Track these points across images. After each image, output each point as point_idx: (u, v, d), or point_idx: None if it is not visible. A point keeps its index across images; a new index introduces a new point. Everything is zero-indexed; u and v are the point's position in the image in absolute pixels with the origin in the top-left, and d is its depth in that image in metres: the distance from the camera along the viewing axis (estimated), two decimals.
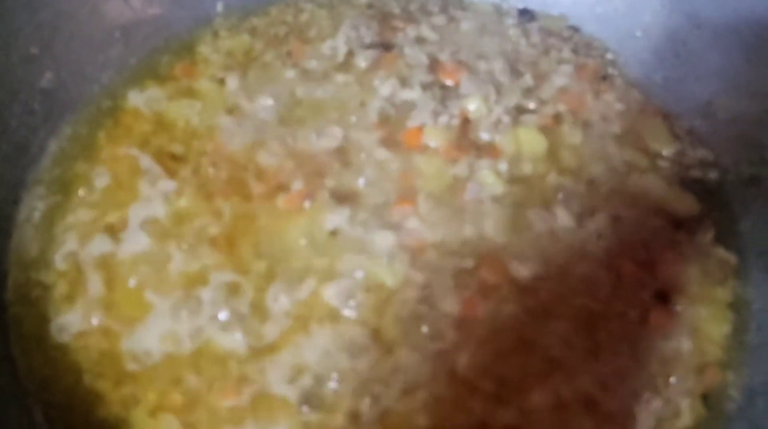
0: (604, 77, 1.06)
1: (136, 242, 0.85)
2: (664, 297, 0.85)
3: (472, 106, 0.98)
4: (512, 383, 0.78)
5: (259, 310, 0.81)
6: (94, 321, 0.80)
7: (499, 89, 1.01)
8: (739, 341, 0.83)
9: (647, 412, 0.77)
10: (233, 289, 0.83)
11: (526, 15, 1.13)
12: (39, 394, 0.77)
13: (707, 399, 0.79)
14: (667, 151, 0.98)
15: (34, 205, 0.87)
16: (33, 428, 0.74)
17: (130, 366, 0.78)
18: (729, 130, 0.97)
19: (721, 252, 0.89)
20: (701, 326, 0.84)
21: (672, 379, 0.80)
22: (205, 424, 0.75)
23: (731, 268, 0.88)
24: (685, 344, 0.82)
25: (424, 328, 0.81)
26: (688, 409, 0.78)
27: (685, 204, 0.93)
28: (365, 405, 0.76)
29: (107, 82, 0.98)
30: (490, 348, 0.80)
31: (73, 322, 0.80)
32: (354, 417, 0.76)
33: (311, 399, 0.76)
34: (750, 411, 0.77)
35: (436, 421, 0.76)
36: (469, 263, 0.86)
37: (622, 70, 1.07)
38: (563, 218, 0.90)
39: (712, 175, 0.96)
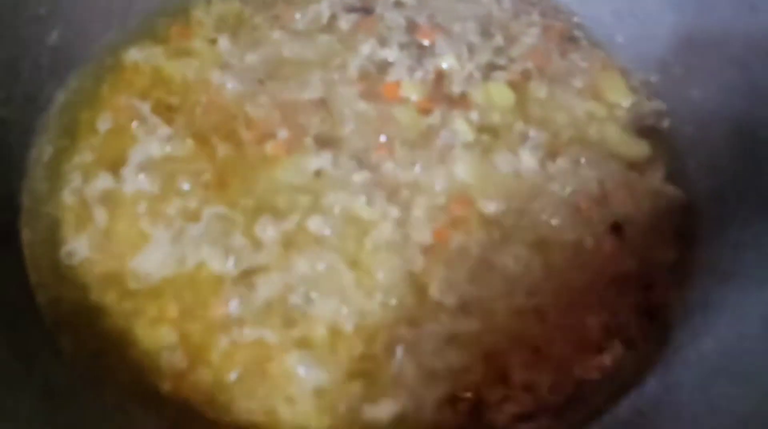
0: (570, 38, 1.15)
1: (135, 180, 0.93)
2: (617, 228, 0.93)
3: (446, 63, 1.06)
4: (476, 299, 0.86)
5: (249, 239, 0.90)
6: (99, 248, 0.89)
7: (471, 48, 1.09)
8: (682, 264, 0.91)
9: (597, 323, 0.86)
10: (225, 222, 0.91)
11: None
12: (49, 308, 0.85)
13: (651, 313, 0.88)
14: (624, 102, 1.06)
15: (43, 149, 0.96)
16: (43, 337, 0.82)
17: (132, 285, 0.86)
18: (681, 83, 1.05)
19: (671, 189, 0.98)
20: (649, 253, 0.92)
21: (620, 296, 0.88)
22: (198, 333, 0.83)
23: (679, 203, 0.97)
24: (633, 267, 0.90)
25: (398, 255, 0.89)
26: (633, 320, 0.87)
27: (639, 148, 1.02)
28: (344, 317, 0.85)
29: (109, 42, 1.06)
30: (457, 271, 0.88)
31: (80, 248, 0.88)
32: (334, 330, 0.85)
33: (294, 312, 0.84)
34: (690, 322, 0.86)
35: (410, 330, 0.84)
36: (440, 200, 0.94)
37: (587, 32, 1.15)
38: (527, 161, 0.98)
39: (665, 123, 1.04)
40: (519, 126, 1.02)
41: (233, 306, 0.85)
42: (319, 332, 0.84)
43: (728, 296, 0.84)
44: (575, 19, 1.17)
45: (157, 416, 0.81)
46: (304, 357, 0.83)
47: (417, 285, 0.88)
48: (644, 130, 1.04)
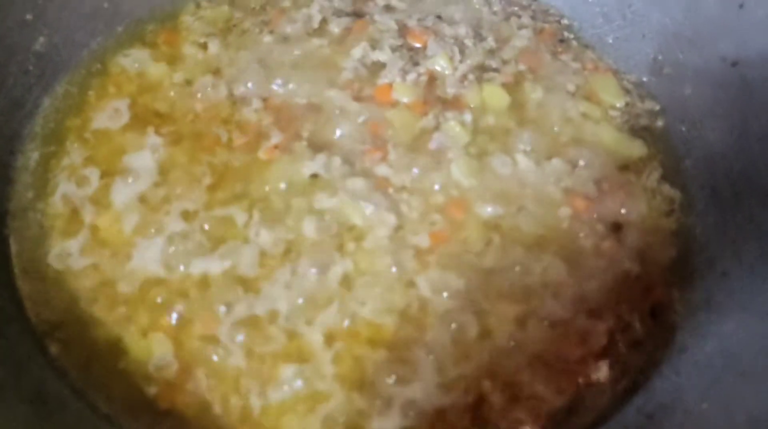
0: (561, 40, 1.15)
1: (124, 186, 0.91)
2: (615, 228, 0.93)
3: (438, 65, 1.06)
4: (476, 305, 0.84)
5: (242, 245, 0.88)
6: (89, 254, 0.87)
7: (463, 50, 1.08)
8: (682, 263, 0.90)
9: (600, 327, 0.85)
10: (218, 227, 0.89)
11: None
12: (39, 316, 0.83)
13: (654, 313, 0.87)
14: (618, 103, 1.06)
15: (30, 155, 0.94)
16: (33, 346, 0.80)
17: (123, 292, 0.84)
18: (673, 82, 1.05)
19: (667, 188, 0.97)
20: (649, 252, 0.91)
21: (622, 299, 0.87)
22: (191, 342, 0.81)
23: (676, 202, 0.96)
24: (634, 268, 0.89)
25: (395, 260, 0.88)
26: (637, 323, 0.85)
27: (635, 148, 1.01)
28: (340, 327, 0.83)
29: (96, 48, 1.04)
30: (455, 276, 0.87)
31: (69, 255, 0.86)
32: (331, 340, 0.83)
33: (289, 321, 0.82)
34: (692, 322, 0.85)
35: (410, 338, 0.82)
36: (436, 203, 0.93)
37: (577, 33, 1.16)
38: (523, 163, 0.97)
39: (659, 122, 1.04)
40: (514, 128, 1.01)
41: (227, 315, 0.83)
42: (315, 343, 0.82)
43: (731, 295, 0.83)
44: (565, 21, 1.18)
45: (148, 426, 0.79)
46: (300, 370, 0.80)
47: (414, 290, 0.86)
48: (639, 130, 1.04)
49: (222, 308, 0.83)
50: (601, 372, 0.81)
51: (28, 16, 0.97)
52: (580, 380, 0.82)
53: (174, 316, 0.83)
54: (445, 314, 0.83)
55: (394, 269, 0.87)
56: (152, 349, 0.81)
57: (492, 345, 0.82)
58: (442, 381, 0.80)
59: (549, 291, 0.86)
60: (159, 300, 0.83)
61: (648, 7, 1.08)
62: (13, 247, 0.87)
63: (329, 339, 0.82)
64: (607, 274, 0.88)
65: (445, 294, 0.85)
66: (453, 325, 0.83)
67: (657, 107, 1.06)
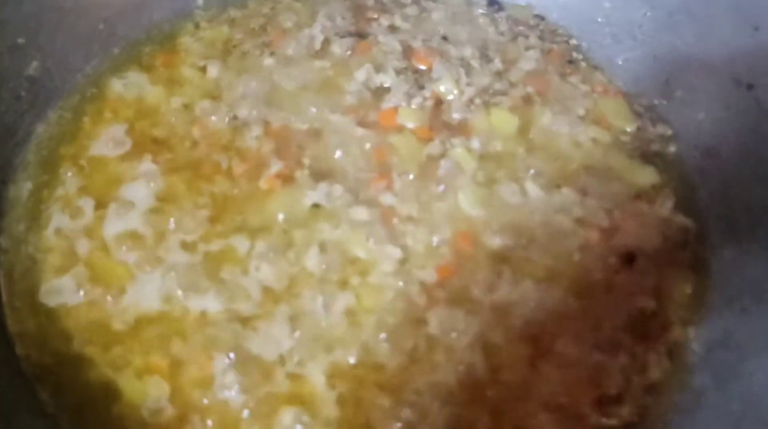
0: (570, 61, 1.12)
1: (121, 219, 0.88)
2: (628, 261, 0.89)
3: (444, 87, 1.02)
4: (484, 344, 0.81)
5: (243, 280, 0.85)
6: (83, 290, 0.83)
7: (469, 72, 1.05)
8: (699, 299, 0.87)
9: (615, 368, 0.81)
10: (216, 260, 0.86)
11: (494, 5, 1.18)
12: (30, 358, 0.79)
13: (671, 353, 0.83)
14: (629, 127, 1.03)
15: (22, 185, 0.91)
16: (24, 390, 0.77)
17: (118, 330, 0.81)
18: (686, 106, 1.02)
19: (681, 218, 0.94)
20: (664, 287, 0.88)
21: (638, 337, 0.84)
22: (188, 386, 0.78)
23: (691, 233, 0.93)
24: (649, 304, 0.86)
25: (401, 296, 0.84)
26: (654, 364, 0.82)
27: (647, 176, 0.98)
28: (342, 367, 0.79)
29: (91, 71, 1.01)
30: (463, 312, 0.83)
31: (62, 291, 0.83)
32: (332, 376, 0.79)
33: (290, 362, 0.79)
34: (711, 362, 0.82)
35: (415, 379, 0.79)
36: (443, 235, 0.90)
37: (586, 54, 1.13)
38: (533, 191, 0.94)
39: (672, 148, 1.01)
40: (522, 154, 0.98)
41: (225, 355, 0.79)
42: (318, 385, 0.79)
43: (751, 333, 0.80)
44: (573, 42, 1.15)
45: None
46: (301, 413, 0.77)
47: (421, 329, 0.83)
48: (650, 156, 1.00)
49: (219, 348, 0.80)
50: (616, 417, 0.78)
51: (20, 40, 0.94)
52: (594, 425, 0.78)
53: (170, 355, 0.79)
54: (453, 354, 0.80)
55: (399, 306, 0.84)
56: (147, 392, 0.78)
57: (502, 388, 0.79)
58: (449, 427, 0.77)
59: (560, 329, 0.83)
60: (155, 339, 0.80)
61: (659, 27, 1.05)
62: (3, 283, 0.84)
63: (332, 380, 0.79)
64: (621, 310, 0.85)
65: (453, 334, 0.82)
66: (461, 367, 0.79)
67: (669, 132, 1.02)
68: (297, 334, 0.81)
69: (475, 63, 1.07)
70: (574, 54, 1.12)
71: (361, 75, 1.03)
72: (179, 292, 0.83)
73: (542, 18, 1.16)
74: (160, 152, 0.94)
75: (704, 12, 0.99)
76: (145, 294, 0.83)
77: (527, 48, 1.11)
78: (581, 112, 1.03)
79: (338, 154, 0.96)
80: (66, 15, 0.99)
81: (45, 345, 0.80)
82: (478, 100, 1.02)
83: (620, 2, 1.09)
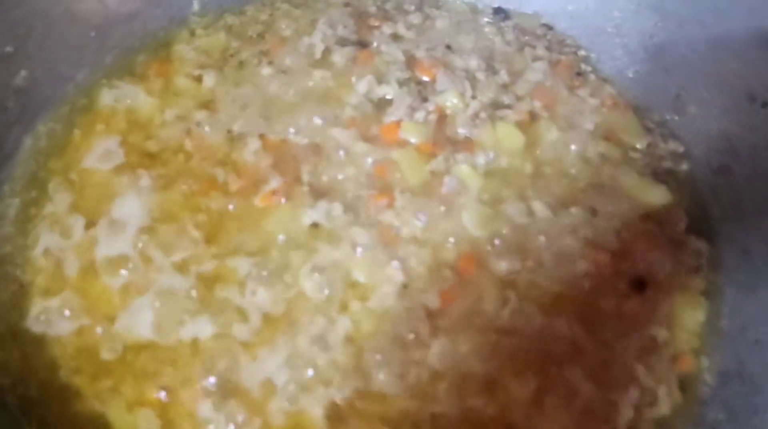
0: (578, 73, 1.08)
1: (112, 238, 0.84)
2: (639, 286, 0.86)
3: (449, 101, 0.99)
4: (489, 375, 0.78)
5: (238, 305, 0.81)
6: (71, 314, 0.80)
7: (475, 85, 1.02)
8: (712, 328, 0.84)
9: (626, 401, 0.78)
10: (210, 283, 0.82)
11: (500, 14, 1.14)
12: (15, 389, 0.76)
13: (683, 385, 0.80)
14: (639, 143, 0.99)
15: (9, 202, 0.87)
16: (8, 423, 0.73)
17: (107, 357, 0.77)
18: (698, 121, 0.99)
19: (694, 241, 0.91)
20: (676, 314, 0.85)
21: (648, 368, 0.80)
22: (181, 419, 0.74)
23: (704, 257, 0.90)
24: (660, 333, 0.83)
25: (401, 323, 0.81)
26: (665, 396, 0.79)
27: (658, 195, 0.95)
28: (341, 398, 0.76)
29: (82, 81, 0.97)
30: (468, 341, 0.80)
31: (50, 316, 0.80)
32: (331, 409, 0.76)
33: (287, 392, 0.76)
34: (724, 395, 0.79)
35: (416, 412, 0.76)
36: (446, 257, 0.87)
37: (595, 66, 1.09)
38: (540, 211, 0.91)
39: (684, 166, 0.98)
40: (529, 171, 0.95)
41: (219, 386, 0.76)
42: (316, 419, 0.75)
43: (765, 366, 0.77)
44: (582, 53, 1.11)
45: None
46: None
47: (423, 359, 0.79)
48: (662, 173, 0.97)
49: (212, 378, 0.77)
50: None
51: (8, 48, 0.90)
52: None
53: (162, 387, 0.76)
54: (456, 388, 0.77)
55: (400, 334, 0.80)
56: (138, 426, 0.74)
57: (507, 425, 0.75)
58: None
59: (568, 359, 0.80)
60: (146, 369, 0.77)
61: (671, 39, 1.02)
62: None
63: (331, 414, 0.76)
64: (632, 339, 0.82)
65: (456, 363, 0.78)
66: (464, 400, 0.76)
67: (681, 149, 0.99)
68: (293, 363, 0.78)
69: (480, 75, 1.04)
70: (583, 66, 1.09)
71: (362, 86, 0.99)
72: (170, 318, 0.79)
73: (550, 27, 1.13)
74: (153, 166, 0.91)
75: (717, 23, 0.96)
76: (136, 320, 0.79)
77: (534, 59, 1.07)
78: (590, 126, 1.00)
79: (338, 170, 0.92)
80: (56, 22, 0.95)
81: (31, 376, 0.77)
82: (483, 114, 0.98)
83: (631, 12, 1.06)
